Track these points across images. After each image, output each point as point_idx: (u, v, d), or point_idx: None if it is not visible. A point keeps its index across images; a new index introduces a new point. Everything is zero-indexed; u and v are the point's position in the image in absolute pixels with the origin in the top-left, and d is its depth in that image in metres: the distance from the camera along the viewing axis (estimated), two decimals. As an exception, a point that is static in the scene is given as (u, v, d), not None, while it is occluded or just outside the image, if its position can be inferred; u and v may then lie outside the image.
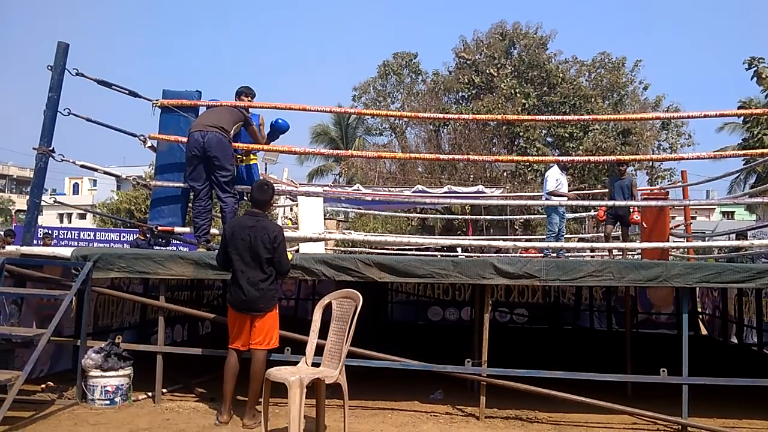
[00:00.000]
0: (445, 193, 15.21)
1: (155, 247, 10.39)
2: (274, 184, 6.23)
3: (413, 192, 14.74)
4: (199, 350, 6.06)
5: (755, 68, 16.58)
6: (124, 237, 19.11)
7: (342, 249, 13.62)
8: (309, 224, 8.68)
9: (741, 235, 12.10)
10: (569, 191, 10.32)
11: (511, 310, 13.12)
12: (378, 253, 11.64)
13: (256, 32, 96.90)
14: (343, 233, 12.66)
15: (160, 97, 6.93)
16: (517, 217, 19.74)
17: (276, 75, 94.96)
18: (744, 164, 17.59)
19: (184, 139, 6.50)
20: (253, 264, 5.00)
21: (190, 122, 6.68)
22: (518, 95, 26.51)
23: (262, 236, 5.00)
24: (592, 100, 26.40)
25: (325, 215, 16.04)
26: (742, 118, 20.17)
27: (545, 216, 20.01)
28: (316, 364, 5.07)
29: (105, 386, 5.52)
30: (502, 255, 11.73)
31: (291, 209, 15.36)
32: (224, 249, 5.14)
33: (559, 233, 9.25)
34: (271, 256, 5.01)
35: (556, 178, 9.33)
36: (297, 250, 9.20)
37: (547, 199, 9.37)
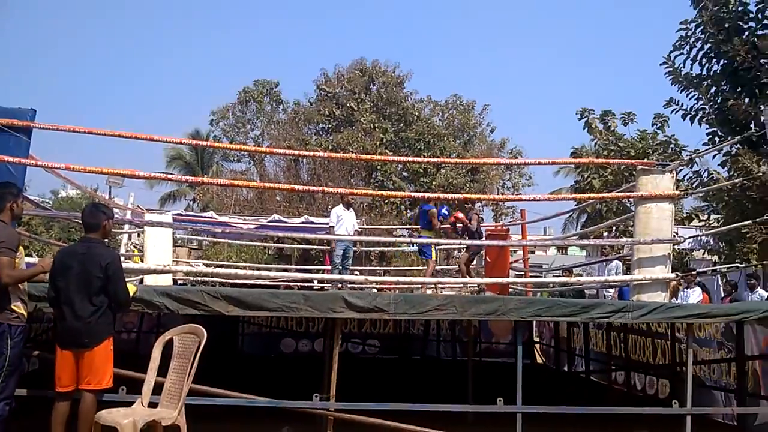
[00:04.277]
0: (302, 223, 15.15)
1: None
2: (118, 211, 5.85)
3: (269, 221, 14.53)
4: (23, 391, 5.44)
5: (586, 119, 18.30)
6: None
7: (193, 279, 13.05)
8: (155, 255, 8.23)
9: (568, 270, 13.19)
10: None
11: (364, 341, 13.27)
12: (230, 284, 11.28)
13: (105, 49, 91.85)
14: (191, 265, 12.13)
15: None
16: (373, 248, 20.05)
17: (130, 94, 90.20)
18: (576, 205, 19.31)
19: (12, 159, 5.93)
20: (80, 295, 4.56)
21: (22, 142, 6.12)
22: (377, 130, 27.33)
23: (94, 264, 4.60)
24: (445, 138, 27.89)
25: (175, 242, 15.35)
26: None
27: (401, 248, 20.61)
28: (153, 405, 4.77)
29: None
30: (356, 287, 11.85)
31: (138, 235, 14.52)
32: (52, 279, 4.69)
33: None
34: (103, 285, 4.61)
35: (338, 215, 9.74)
36: (141, 281, 8.68)
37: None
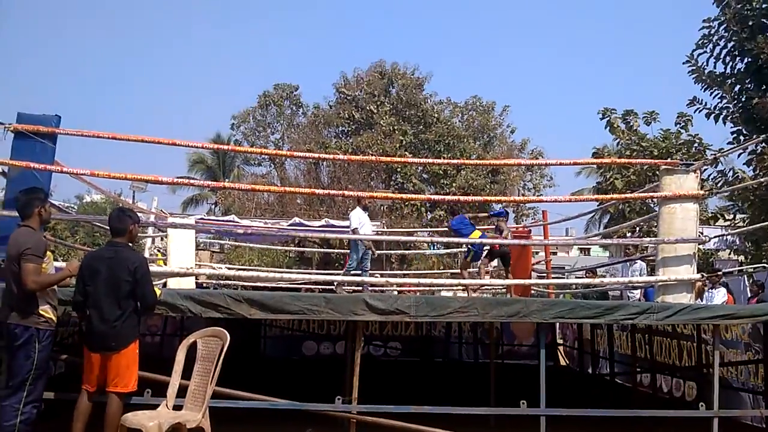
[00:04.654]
0: (323, 226, 15.19)
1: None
2: (142, 215, 5.90)
3: (290, 225, 14.59)
4: (51, 394, 5.54)
5: (608, 118, 18.12)
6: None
7: (215, 282, 13.17)
8: (178, 258, 8.30)
9: (591, 271, 13.06)
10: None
11: (385, 344, 13.27)
12: (251, 287, 11.37)
13: (127, 52, 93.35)
14: (213, 268, 12.24)
15: (14, 120, 6.40)
16: (393, 251, 20.04)
17: (151, 99, 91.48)
18: (598, 205, 19.12)
19: (38, 166, 6.04)
20: (108, 299, 4.64)
21: (47, 148, 6.23)
22: (396, 132, 27.31)
23: (122, 268, 4.67)
24: (465, 140, 27.76)
25: (198, 246, 15.48)
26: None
27: (421, 251, 20.59)
28: (178, 407, 4.81)
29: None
30: (375, 290, 11.87)
31: (162, 239, 14.69)
32: (80, 283, 4.76)
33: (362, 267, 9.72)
34: (132, 289, 4.69)
35: (359, 217, 9.69)
36: (164, 284, 8.76)
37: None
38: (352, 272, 9.56)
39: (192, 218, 13.33)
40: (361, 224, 9.52)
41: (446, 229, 19.56)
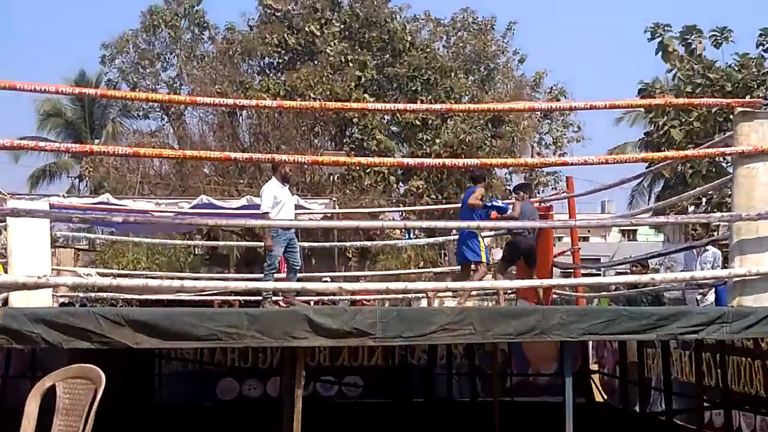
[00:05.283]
0: (243, 207, 15.15)
1: None
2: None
3: (194, 206, 14.51)
4: None
5: (660, 38, 18.34)
6: None
7: (83, 295, 13.06)
8: (25, 261, 8.19)
9: (639, 264, 13.23)
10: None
11: (340, 379, 13.30)
12: (137, 302, 11.30)
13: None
14: (79, 274, 12.13)
15: None
16: (349, 243, 20.06)
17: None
18: (647, 167, 19.40)
19: None
20: None
21: None
22: (350, 64, 27.22)
23: None
24: (452, 74, 27.77)
25: (55, 242, 15.30)
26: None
27: (389, 242, 20.64)
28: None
29: None
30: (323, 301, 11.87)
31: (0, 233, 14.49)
32: None
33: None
34: None
35: (274, 195, 9.48)
36: (5, 302, 8.67)
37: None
38: (275, 274, 9.53)
39: (45, 200, 13.15)
40: (279, 203, 9.43)
41: (426, 207, 19.72)
